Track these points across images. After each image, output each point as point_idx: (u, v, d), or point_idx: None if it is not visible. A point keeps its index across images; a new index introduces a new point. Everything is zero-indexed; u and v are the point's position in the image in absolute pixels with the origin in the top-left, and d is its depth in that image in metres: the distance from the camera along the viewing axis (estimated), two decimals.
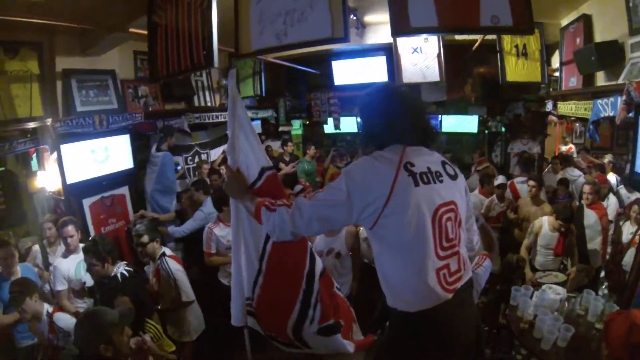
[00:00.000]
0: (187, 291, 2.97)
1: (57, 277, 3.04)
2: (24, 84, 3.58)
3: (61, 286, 3.03)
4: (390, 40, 4.91)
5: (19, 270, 2.95)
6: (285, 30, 2.35)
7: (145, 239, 2.93)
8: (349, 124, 7.04)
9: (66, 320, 2.49)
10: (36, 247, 3.61)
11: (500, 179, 4.49)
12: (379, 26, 5.23)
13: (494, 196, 4.40)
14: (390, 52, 5.37)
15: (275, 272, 1.84)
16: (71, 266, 3.09)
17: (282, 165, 5.91)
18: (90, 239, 2.92)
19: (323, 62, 6.51)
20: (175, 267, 2.93)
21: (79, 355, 1.88)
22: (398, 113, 1.37)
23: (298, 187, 4.33)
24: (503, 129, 6.86)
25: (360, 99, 1.47)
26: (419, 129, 1.40)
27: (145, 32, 3.10)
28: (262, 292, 1.86)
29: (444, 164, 1.39)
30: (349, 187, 1.29)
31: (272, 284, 1.85)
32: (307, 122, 7.73)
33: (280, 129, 7.47)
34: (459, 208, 1.36)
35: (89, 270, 2.78)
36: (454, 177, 1.39)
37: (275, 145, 7.05)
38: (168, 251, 3.06)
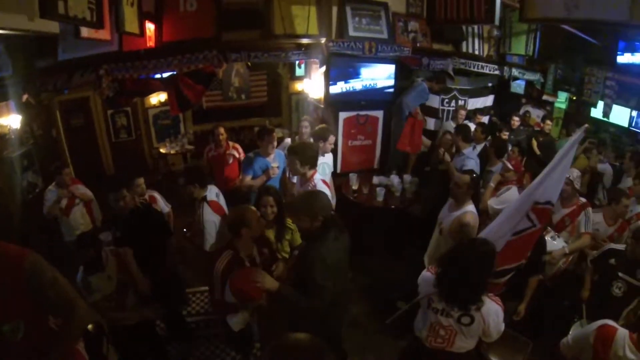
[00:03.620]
0: None
1: None
2: (303, 6, 4.00)
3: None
4: None
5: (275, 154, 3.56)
6: (576, 2, 1.98)
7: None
8: (621, 115, 5.78)
9: None
10: (288, 140, 4.16)
11: None
12: None
13: None
14: None
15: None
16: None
17: (534, 142, 5.27)
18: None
19: (607, 34, 5.11)
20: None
21: None
22: None
23: None
24: None
25: None
26: None
27: None
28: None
29: None
30: None
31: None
32: (574, 98, 6.41)
33: (544, 97, 6.35)
34: None
35: None
36: None
37: (535, 114, 6.29)
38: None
